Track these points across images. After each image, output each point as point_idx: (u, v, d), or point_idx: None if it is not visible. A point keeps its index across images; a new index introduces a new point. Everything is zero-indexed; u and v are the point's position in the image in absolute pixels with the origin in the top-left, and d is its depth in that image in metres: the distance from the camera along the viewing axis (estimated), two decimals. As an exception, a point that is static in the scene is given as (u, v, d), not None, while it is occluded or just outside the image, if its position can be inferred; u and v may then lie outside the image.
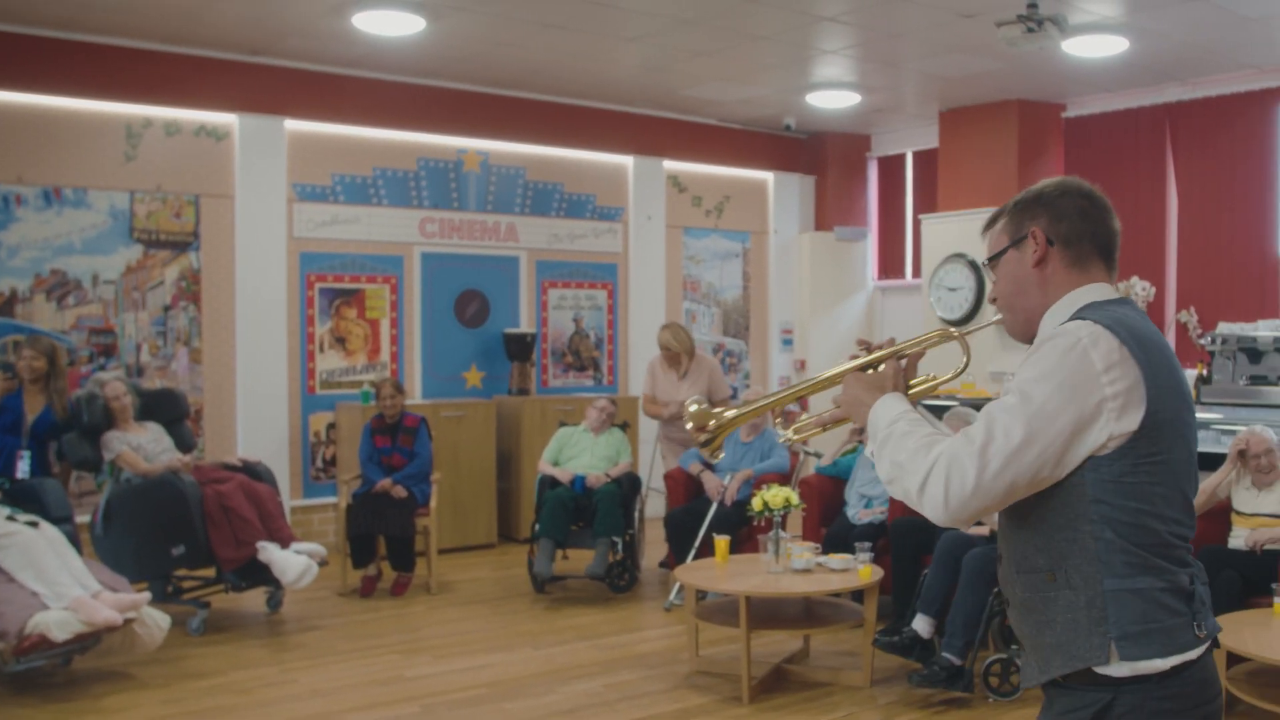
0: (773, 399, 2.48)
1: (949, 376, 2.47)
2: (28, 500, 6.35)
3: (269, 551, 6.85)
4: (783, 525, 6.39)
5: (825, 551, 6.47)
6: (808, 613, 6.27)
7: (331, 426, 9.44)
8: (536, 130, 10.37)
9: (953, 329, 2.44)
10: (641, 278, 11.11)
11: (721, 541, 6.51)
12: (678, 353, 8.35)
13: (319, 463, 9.42)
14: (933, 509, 2.06)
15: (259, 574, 6.95)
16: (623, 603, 7.76)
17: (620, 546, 7.82)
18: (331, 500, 9.39)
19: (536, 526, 7.87)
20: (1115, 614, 2.06)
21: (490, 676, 6.11)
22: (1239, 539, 6.03)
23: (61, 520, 6.28)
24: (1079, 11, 7.52)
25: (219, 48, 8.68)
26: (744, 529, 7.39)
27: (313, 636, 6.90)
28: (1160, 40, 8.24)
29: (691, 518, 7.64)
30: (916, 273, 11.71)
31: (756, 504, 6.41)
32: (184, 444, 7.46)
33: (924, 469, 2.06)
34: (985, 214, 2.39)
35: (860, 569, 6.02)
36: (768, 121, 11.54)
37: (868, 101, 10.46)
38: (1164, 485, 2.08)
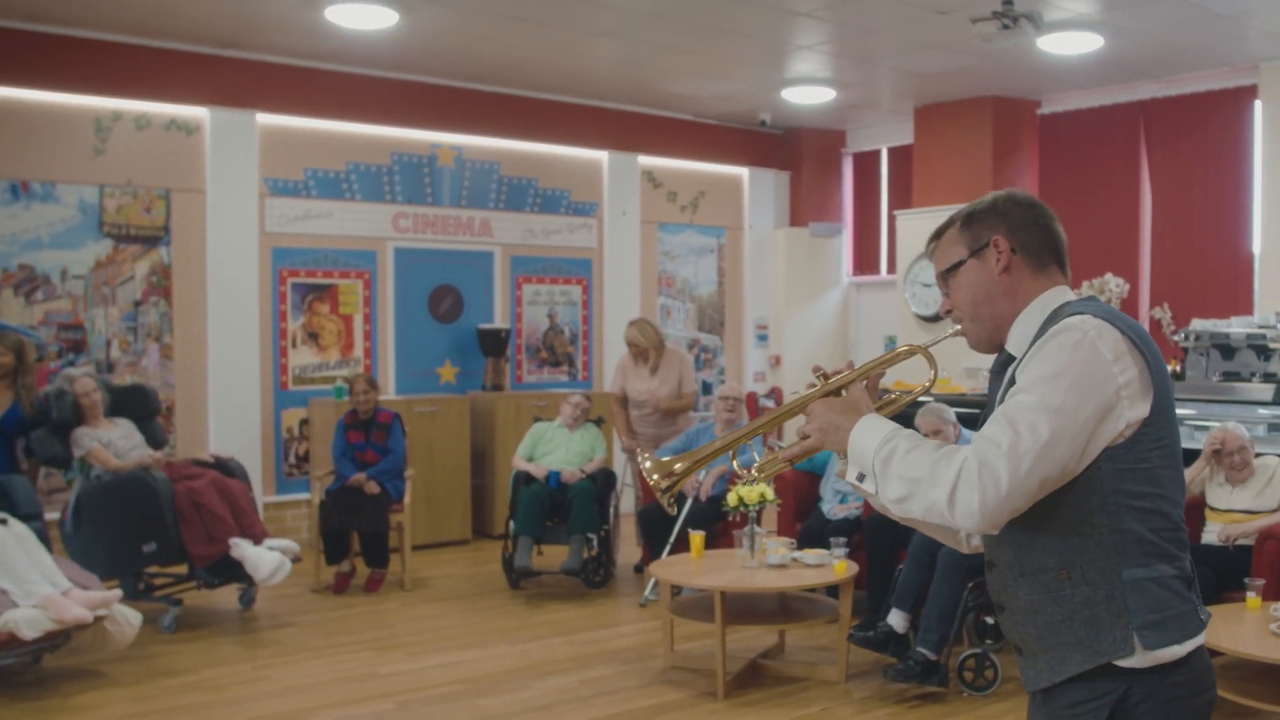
0: (731, 439, 2.39)
1: (916, 393, 2.46)
2: (-4, 497, 6.28)
3: (241, 548, 6.79)
4: (758, 521, 6.39)
5: (800, 547, 6.46)
6: (783, 608, 6.27)
7: (304, 422, 9.38)
8: (511, 125, 10.33)
9: (916, 345, 2.41)
10: (616, 273, 11.09)
11: (696, 537, 6.51)
12: (645, 348, 8.34)
13: (292, 459, 9.37)
14: (967, 517, 2.02)
15: (231, 571, 6.90)
16: (598, 598, 7.75)
17: (595, 542, 7.80)
18: (304, 496, 9.33)
19: (511, 523, 7.84)
20: (1135, 604, 2.08)
21: (465, 673, 6.09)
22: (1212, 534, 6.06)
23: (31, 517, 6.22)
24: (1054, 8, 7.54)
25: (190, 40, 8.60)
26: (719, 524, 7.38)
27: (286, 633, 6.86)
28: (1135, 37, 8.27)
29: (666, 513, 7.62)
30: (891, 269, 11.72)
31: (732, 499, 6.40)
32: (155, 440, 7.39)
33: (950, 479, 2.02)
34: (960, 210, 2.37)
35: (835, 564, 6.02)
36: (743, 117, 11.53)
37: (843, 97, 10.47)
38: (1170, 469, 2.14)
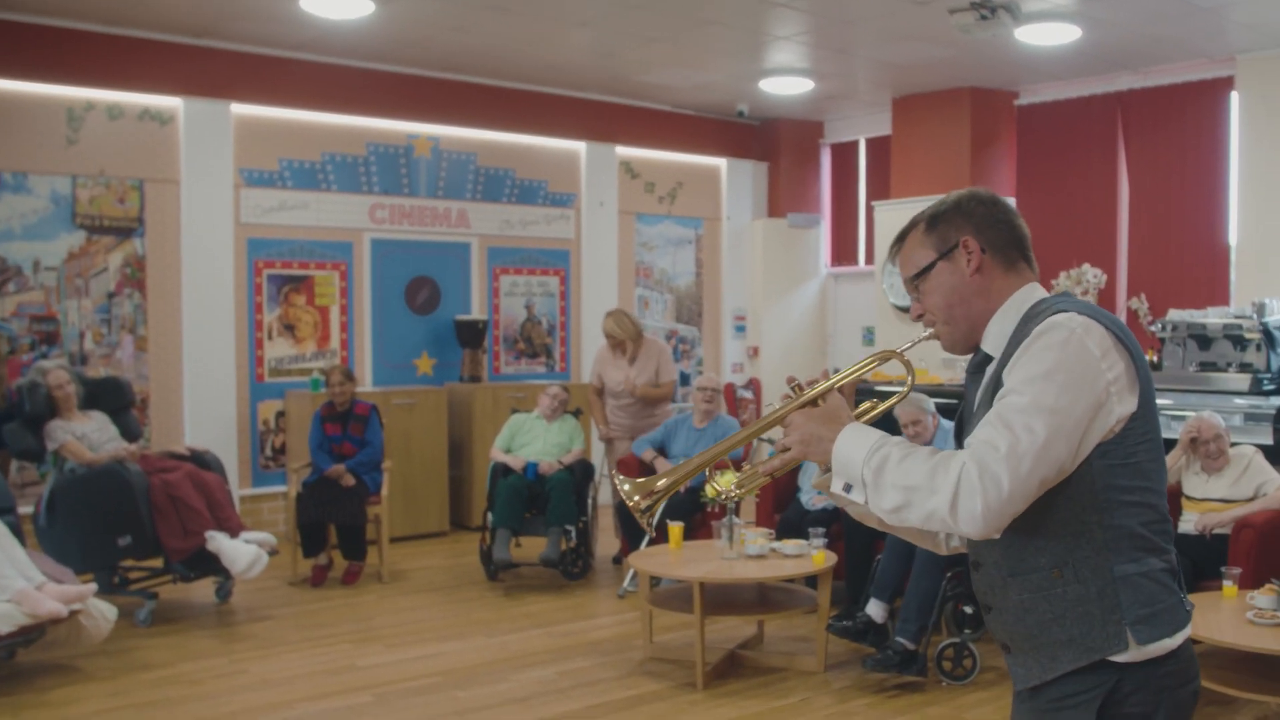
0: (709, 456, 2.35)
1: (894, 400, 2.43)
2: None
3: (218, 541, 6.75)
4: (736, 511, 6.38)
5: (779, 537, 6.47)
6: (762, 598, 6.27)
7: (281, 415, 9.33)
8: (488, 115, 10.29)
9: (891, 350, 2.38)
10: (594, 264, 11.06)
11: (675, 528, 6.50)
12: (623, 339, 8.31)
13: (268, 451, 9.32)
14: (970, 522, 1.99)
15: (208, 564, 6.86)
16: (576, 590, 7.73)
17: (573, 534, 7.78)
18: (281, 489, 9.29)
19: (489, 515, 7.82)
20: (1127, 600, 2.09)
21: (443, 665, 6.06)
22: (1188, 523, 6.08)
23: (4, 511, 6.18)
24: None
25: (163, 30, 8.53)
26: (697, 515, 7.37)
27: (263, 626, 6.82)
28: (1112, 29, 8.28)
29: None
30: (869, 259, 11.73)
31: (710, 490, 6.38)
32: (130, 433, 7.34)
33: (950, 485, 1.99)
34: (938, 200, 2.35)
35: (814, 554, 6.02)
36: (721, 108, 11.51)
37: (821, 88, 10.46)
38: (1156, 461, 2.15)
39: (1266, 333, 7.73)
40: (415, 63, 9.59)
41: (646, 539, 7.32)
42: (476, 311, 10.34)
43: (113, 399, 7.42)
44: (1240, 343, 7.83)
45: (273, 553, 7.04)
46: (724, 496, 2.46)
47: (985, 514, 1.98)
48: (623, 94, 10.86)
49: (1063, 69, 9.60)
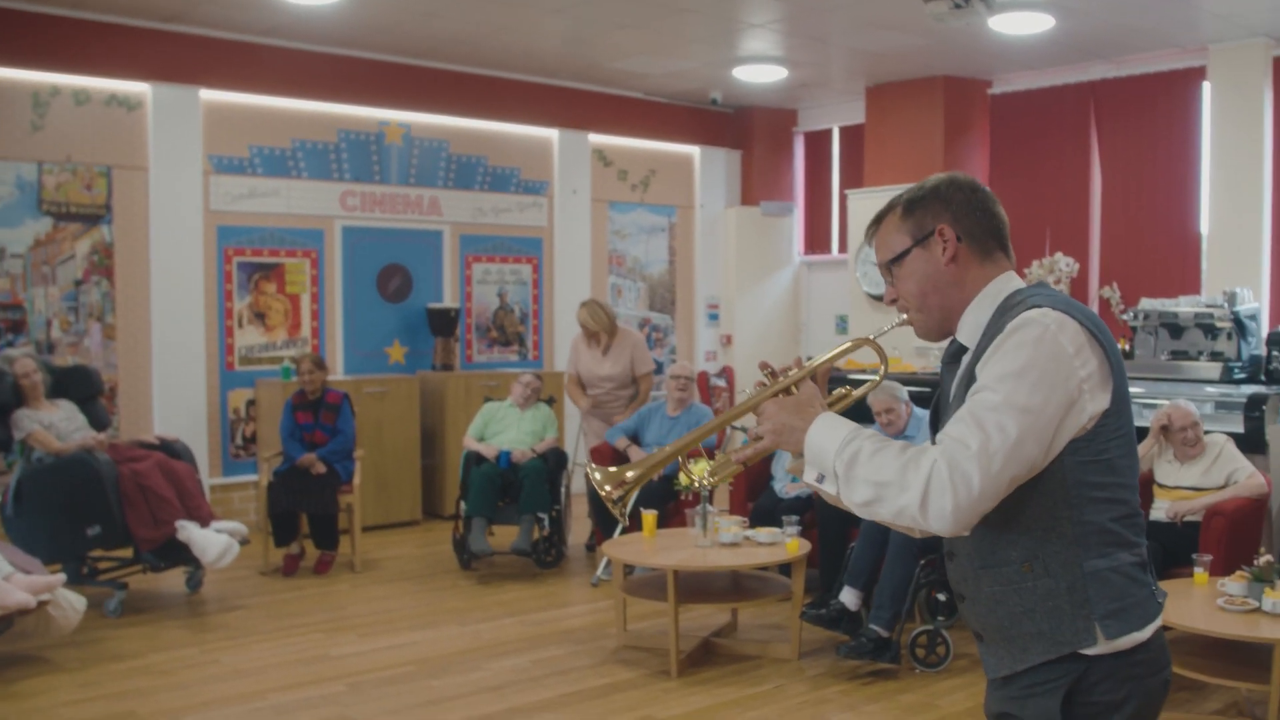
0: (681, 445, 2.32)
1: (867, 388, 2.42)
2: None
3: (188, 531, 6.70)
4: (710, 499, 6.37)
5: (752, 525, 6.48)
6: (735, 586, 6.27)
7: (251, 403, 9.26)
8: (460, 102, 10.23)
9: (864, 338, 2.37)
10: (567, 252, 11.02)
11: (649, 516, 6.48)
12: (596, 331, 8.29)
13: (239, 440, 9.25)
14: (940, 520, 1.98)
15: (178, 554, 6.80)
16: (549, 578, 7.71)
17: (546, 522, 7.77)
18: (252, 478, 9.22)
19: (462, 503, 7.79)
20: (1096, 595, 2.09)
21: (416, 654, 6.04)
22: (1160, 511, 6.11)
23: (-31, 501, 6.11)
24: (1005, -13, 7.55)
25: (131, 14, 8.43)
26: (671, 503, 7.37)
27: (234, 616, 6.78)
28: (1086, 19, 8.30)
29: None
30: (843, 248, 11.73)
31: (683, 478, 6.36)
32: (98, 422, 7.27)
33: (920, 483, 1.98)
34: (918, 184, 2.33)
35: (787, 542, 6.02)
36: (694, 95, 11.49)
37: (794, 76, 10.45)
38: (1128, 456, 2.14)
39: (1237, 321, 7.77)
40: (387, 49, 9.52)
41: (620, 527, 7.32)
42: (449, 299, 10.29)
43: (81, 388, 7.34)
44: (1211, 331, 7.87)
45: (244, 542, 7.00)
46: (697, 484, 2.44)
47: (955, 512, 1.97)
48: (596, 81, 10.82)
49: (1036, 58, 9.62)
